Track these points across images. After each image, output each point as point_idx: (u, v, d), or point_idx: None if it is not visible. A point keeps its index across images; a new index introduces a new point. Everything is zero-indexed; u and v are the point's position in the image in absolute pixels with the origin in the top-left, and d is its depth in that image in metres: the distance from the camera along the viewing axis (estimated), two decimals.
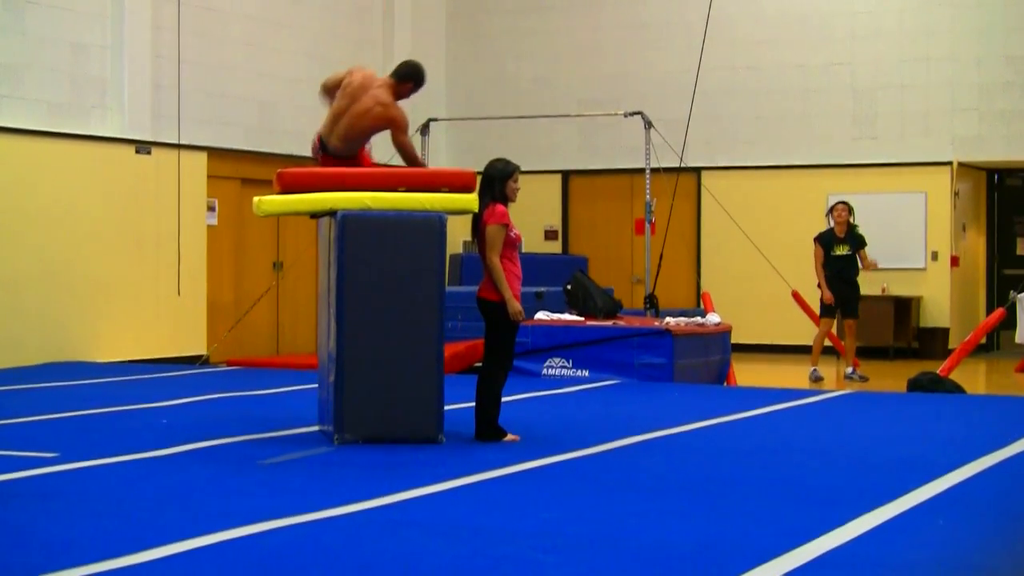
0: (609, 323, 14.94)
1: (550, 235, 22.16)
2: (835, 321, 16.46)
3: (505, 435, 9.49)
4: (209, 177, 17.84)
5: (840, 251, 16.19)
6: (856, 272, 16.29)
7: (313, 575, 5.70)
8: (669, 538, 6.38)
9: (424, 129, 18.83)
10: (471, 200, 9.60)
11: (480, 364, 9.81)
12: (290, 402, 12.11)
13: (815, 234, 16.34)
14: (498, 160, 9.67)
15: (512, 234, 9.47)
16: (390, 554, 6.02)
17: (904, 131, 20.09)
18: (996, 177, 21.36)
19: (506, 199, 9.53)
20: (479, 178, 9.65)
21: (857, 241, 16.25)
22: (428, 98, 21.52)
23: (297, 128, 19.27)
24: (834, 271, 16.20)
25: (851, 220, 16.23)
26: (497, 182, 9.51)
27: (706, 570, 5.79)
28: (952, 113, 19.88)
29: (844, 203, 16.40)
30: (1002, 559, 6.18)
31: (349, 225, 9.35)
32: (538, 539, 6.31)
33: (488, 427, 9.49)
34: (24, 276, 15.44)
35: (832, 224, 16.33)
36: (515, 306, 9.37)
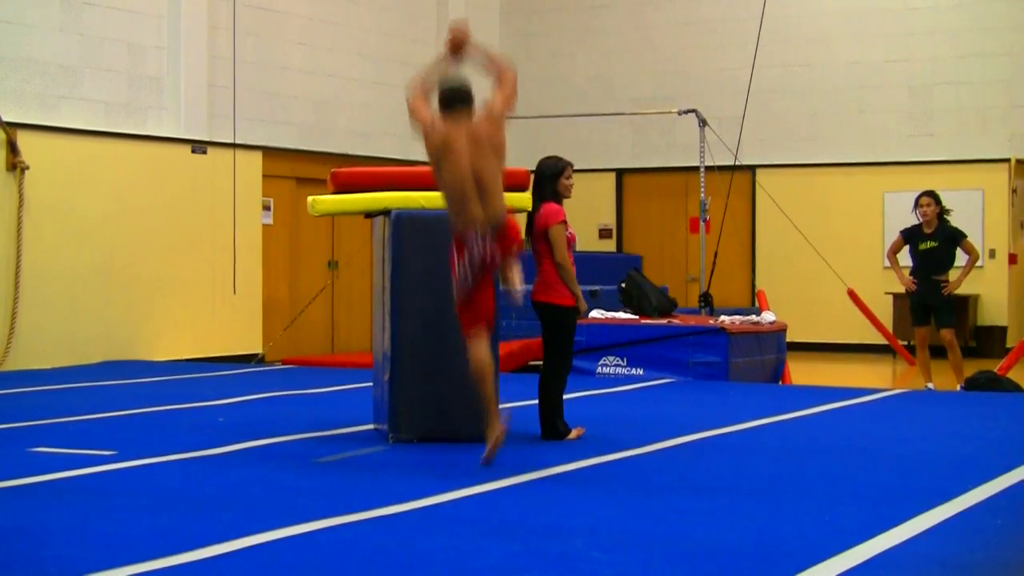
0: (664, 321, 14.91)
1: (604, 234, 22.14)
2: (929, 329, 14.21)
3: (569, 433, 9.48)
4: (264, 176, 17.94)
5: (925, 246, 14.09)
6: (942, 272, 14.10)
7: (367, 573, 5.72)
8: (724, 538, 6.36)
9: None
10: (525, 199, 9.61)
11: (541, 364, 9.79)
12: (345, 401, 12.16)
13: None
14: (549, 158, 9.65)
15: (567, 233, 9.47)
16: (444, 552, 6.03)
17: (961, 128, 19.95)
18: None
19: (559, 197, 9.51)
20: (532, 177, 9.65)
21: (950, 236, 14.09)
22: (482, 97, 21.57)
23: (352, 127, 19.36)
24: (917, 266, 14.26)
25: (943, 212, 14.11)
26: (548, 180, 9.50)
27: (761, 570, 5.77)
28: (1010, 109, 19.73)
29: (928, 194, 14.25)
30: None
31: (403, 224, 9.38)
32: (592, 538, 6.31)
33: (551, 428, 9.49)
34: (82, 275, 15.57)
35: (919, 220, 14.18)
36: (583, 304, 9.47)
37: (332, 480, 7.93)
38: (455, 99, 8.57)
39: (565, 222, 9.43)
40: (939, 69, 20.07)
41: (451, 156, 8.44)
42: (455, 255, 8.50)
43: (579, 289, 9.46)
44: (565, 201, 9.59)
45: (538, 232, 9.43)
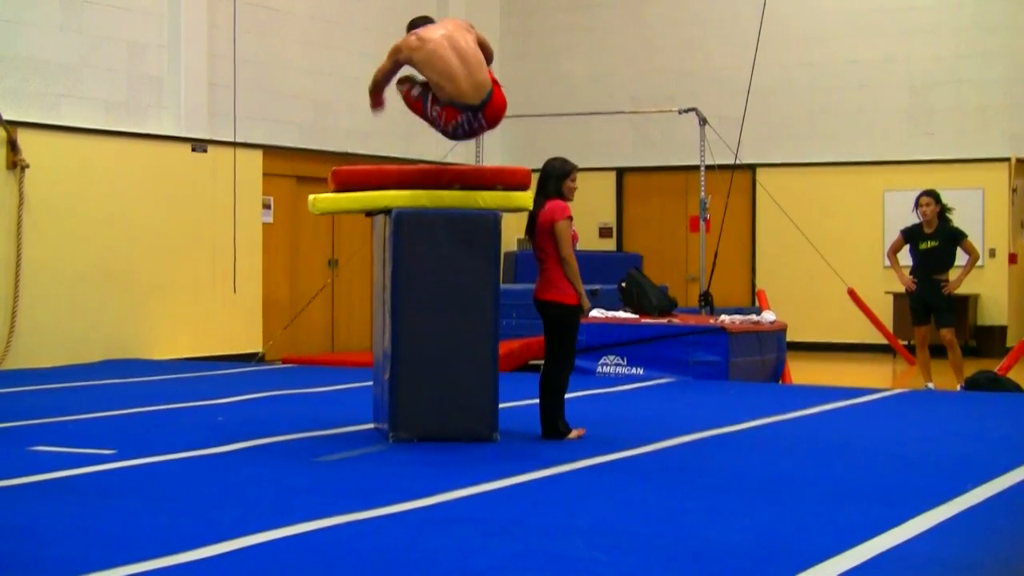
0: (664, 321, 14.90)
1: (604, 232, 22.14)
2: (929, 329, 14.19)
3: (570, 433, 9.48)
4: (264, 175, 17.93)
5: (926, 245, 14.07)
6: (943, 272, 14.10)
7: (368, 572, 5.72)
8: (725, 537, 6.36)
9: None
10: (526, 198, 9.61)
11: (541, 363, 9.79)
12: (345, 400, 12.16)
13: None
14: (556, 159, 9.65)
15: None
16: (444, 552, 6.03)
17: (961, 127, 19.94)
18: None
19: (562, 198, 9.50)
20: (534, 175, 9.64)
21: (951, 236, 14.07)
22: None
23: (352, 126, 19.35)
24: (918, 265, 14.25)
25: (944, 212, 14.07)
26: (553, 180, 9.50)
27: (762, 569, 5.76)
28: (1010, 108, 19.73)
29: (928, 194, 14.23)
30: None
31: (404, 223, 9.37)
32: (592, 537, 6.31)
33: (552, 427, 9.48)
34: (82, 274, 15.57)
35: (920, 219, 14.18)
36: (586, 302, 9.46)
37: (332, 479, 7.93)
38: (421, 21, 9.67)
39: (571, 218, 9.43)
40: (939, 69, 20.07)
41: (430, 39, 9.36)
42: (443, 115, 9.46)
43: (582, 287, 9.46)
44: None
45: (543, 227, 9.42)
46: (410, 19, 9.81)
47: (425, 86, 9.59)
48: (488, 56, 9.59)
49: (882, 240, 19.31)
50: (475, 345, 9.38)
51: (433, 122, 9.61)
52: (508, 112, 9.63)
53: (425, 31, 9.53)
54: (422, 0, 20.58)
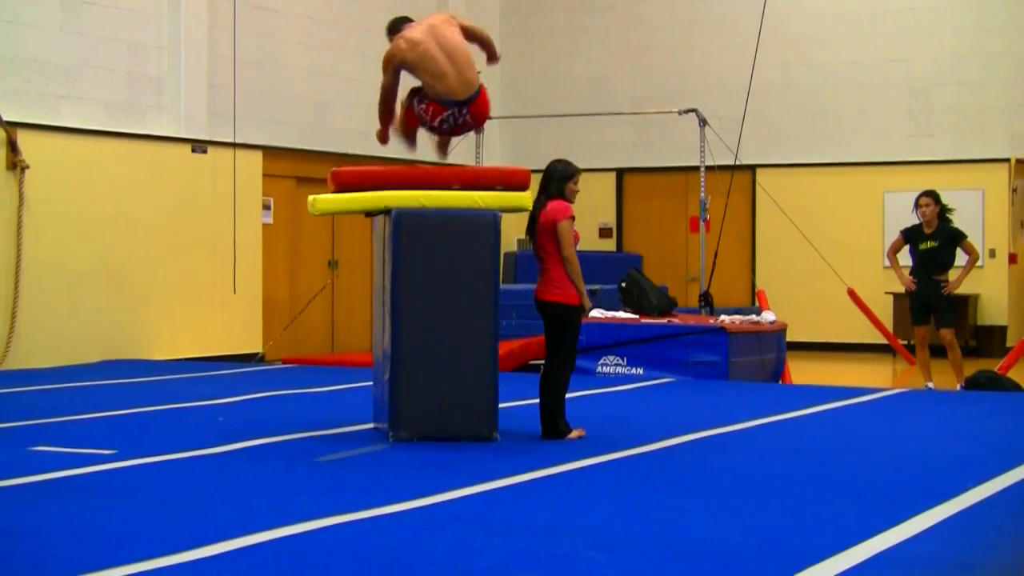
0: (664, 321, 14.90)
1: (605, 233, 22.13)
2: (929, 329, 14.14)
3: (570, 433, 9.47)
4: (264, 176, 17.92)
5: (925, 246, 14.05)
6: (942, 272, 14.05)
7: (368, 572, 5.72)
8: (724, 536, 6.36)
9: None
10: (525, 198, 9.62)
11: (542, 363, 9.79)
12: (345, 400, 12.16)
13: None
14: (559, 161, 9.65)
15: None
16: (443, 552, 6.03)
17: (961, 128, 19.94)
18: None
19: (564, 199, 9.50)
20: (534, 176, 9.64)
21: (950, 236, 14.05)
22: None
23: (351, 127, 19.33)
24: (918, 265, 14.22)
25: (944, 212, 14.07)
26: (556, 182, 9.50)
27: (762, 568, 5.76)
28: (1009, 109, 19.72)
29: (928, 194, 14.21)
30: None
31: (404, 223, 9.37)
32: (592, 537, 6.30)
33: (552, 427, 9.48)
34: (82, 274, 15.57)
35: (920, 219, 14.16)
36: (587, 302, 9.48)
37: (332, 479, 7.93)
38: (401, 22, 9.97)
39: (573, 218, 9.43)
40: (939, 69, 20.06)
41: (419, 40, 9.60)
42: (430, 110, 9.57)
43: (584, 286, 9.46)
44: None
45: (544, 227, 9.41)
46: (388, 22, 9.96)
47: (412, 92, 9.70)
48: (483, 40, 9.77)
49: (882, 240, 19.31)
50: (475, 345, 9.38)
51: (419, 118, 9.73)
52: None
53: (410, 32, 9.73)
54: (420, 4, 20.59)
